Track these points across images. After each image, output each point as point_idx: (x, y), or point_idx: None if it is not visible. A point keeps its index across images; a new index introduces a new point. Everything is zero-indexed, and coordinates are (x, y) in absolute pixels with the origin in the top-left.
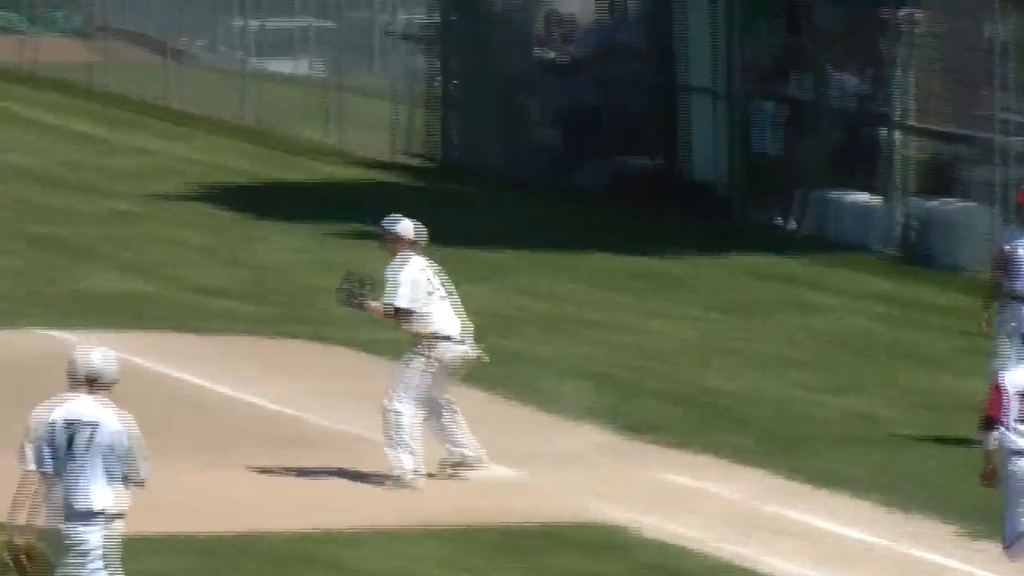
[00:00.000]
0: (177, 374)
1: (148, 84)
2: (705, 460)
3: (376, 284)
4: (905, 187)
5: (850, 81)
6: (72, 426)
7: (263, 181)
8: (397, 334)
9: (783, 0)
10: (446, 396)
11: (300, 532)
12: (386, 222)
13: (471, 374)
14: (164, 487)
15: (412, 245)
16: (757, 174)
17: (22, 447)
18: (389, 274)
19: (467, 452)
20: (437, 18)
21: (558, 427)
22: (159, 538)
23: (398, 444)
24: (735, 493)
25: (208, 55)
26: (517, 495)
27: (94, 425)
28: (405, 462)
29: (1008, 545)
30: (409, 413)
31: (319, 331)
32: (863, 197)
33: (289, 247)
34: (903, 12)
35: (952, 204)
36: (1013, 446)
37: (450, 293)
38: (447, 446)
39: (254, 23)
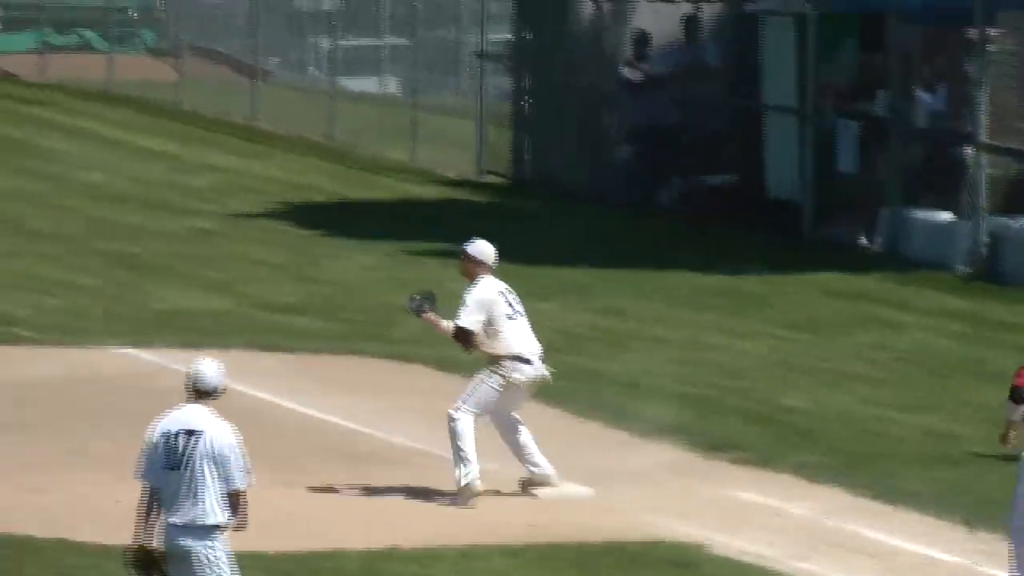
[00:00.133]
0: (251, 391)
1: (226, 102)
2: (779, 478)
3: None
4: (982, 204)
5: (929, 99)
6: (180, 436)
7: (340, 199)
8: (475, 352)
9: (864, 19)
10: (515, 415)
11: (372, 550)
12: (466, 245)
13: (553, 392)
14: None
15: (488, 267)
16: (835, 192)
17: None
18: (465, 295)
19: (537, 470)
20: (520, 37)
21: (631, 444)
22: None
23: (454, 454)
24: (808, 511)
25: (287, 73)
26: (589, 513)
27: (201, 434)
28: (458, 475)
29: None
30: (465, 423)
31: (393, 349)
32: (941, 215)
33: (364, 265)
34: (974, 31)
35: None
36: None
37: (519, 314)
38: (527, 466)
39: (338, 42)
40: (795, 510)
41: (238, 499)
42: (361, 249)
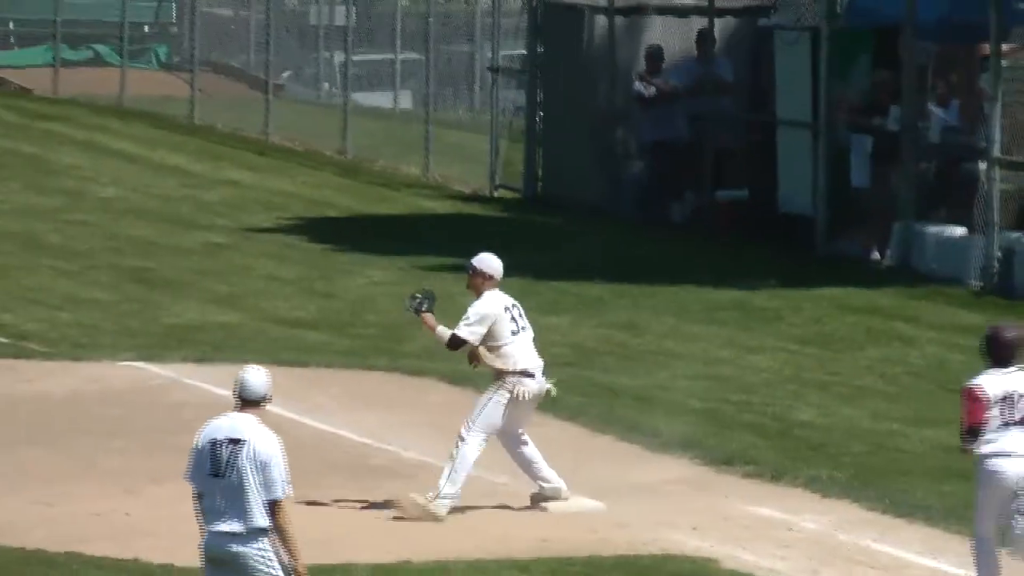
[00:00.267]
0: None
1: (240, 117)
2: (791, 492)
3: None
4: (993, 220)
5: (942, 114)
6: (226, 444)
7: (354, 214)
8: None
9: (878, 34)
10: (521, 430)
11: (383, 564)
12: (473, 259)
13: (566, 406)
14: None
15: (495, 281)
16: (848, 207)
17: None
18: (469, 307)
19: (547, 485)
20: (533, 51)
21: (643, 458)
22: None
23: (447, 471)
24: (819, 525)
25: (300, 88)
26: (600, 527)
27: (246, 443)
28: (442, 487)
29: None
30: (471, 447)
31: (406, 363)
32: (953, 230)
33: (377, 279)
34: (988, 46)
35: None
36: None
37: (523, 329)
38: (536, 481)
39: (352, 57)
40: (807, 524)
41: (277, 508)
42: (374, 264)
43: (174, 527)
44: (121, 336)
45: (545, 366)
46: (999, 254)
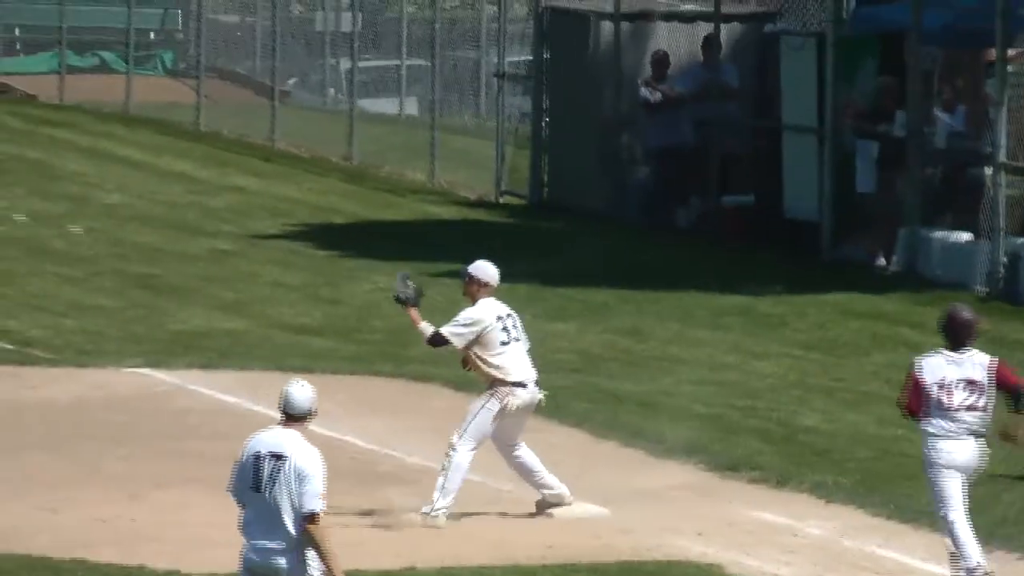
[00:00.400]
0: (268, 412)
1: (246, 123)
2: (796, 498)
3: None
4: (999, 225)
5: (948, 119)
6: (268, 459)
7: (360, 220)
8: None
9: (884, 40)
10: (517, 439)
11: (388, 570)
12: (468, 266)
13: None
14: None
15: (491, 289)
16: (854, 212)
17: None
18: (460, 312)
19: (549, 492)
20: (539, 57)
21: (648, 464)
22: None
23: (440, 482)
24: (825, 530)
25: (306, 94)
26: (605, 533)
27: (287, 459)
28: (436, 501)
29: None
30: (462, 456)
31: (411, 369)
32: (959, 235)
33: (382, 285)
34: (993, 52)
35: None
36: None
37: (516, 340)
38: (539, 489)
39: (358, 63)
40: (812, 530)
41: (312, 521)
42: (380, 270)
43: (179, 533)
44: (126, 342)
45: (551, 373)
46: (1005, 259)
